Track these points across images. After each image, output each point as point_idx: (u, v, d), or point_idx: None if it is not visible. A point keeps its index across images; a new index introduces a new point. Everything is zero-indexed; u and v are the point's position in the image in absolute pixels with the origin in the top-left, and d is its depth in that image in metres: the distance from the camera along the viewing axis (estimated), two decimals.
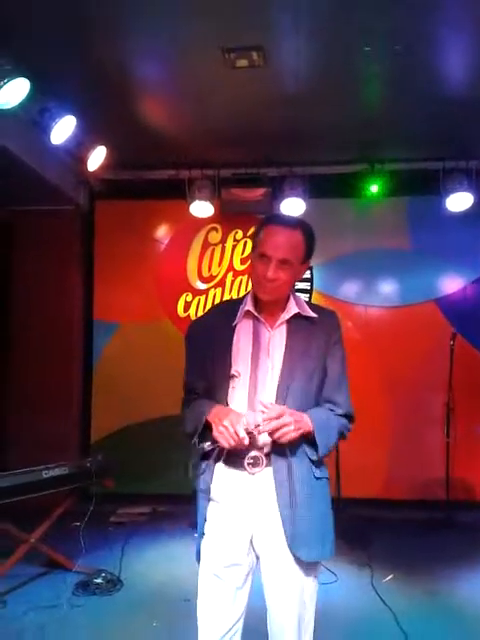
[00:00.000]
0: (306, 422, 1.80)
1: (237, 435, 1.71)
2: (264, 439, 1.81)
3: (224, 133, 4.63)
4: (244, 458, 1.82)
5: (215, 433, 1.76)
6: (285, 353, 1.88)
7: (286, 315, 1.91)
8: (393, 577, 3.73)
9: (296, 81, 3.88)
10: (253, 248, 1.92)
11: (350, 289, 5.48)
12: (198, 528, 1.91)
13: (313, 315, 1.93)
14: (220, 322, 1.95)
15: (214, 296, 5.63)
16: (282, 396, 1.84)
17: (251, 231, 5.61)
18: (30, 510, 3.39)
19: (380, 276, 5.49)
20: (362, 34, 3.38)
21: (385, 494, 5.17)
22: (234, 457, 1.83)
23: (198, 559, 1.92)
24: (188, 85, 3.98)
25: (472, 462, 5.09)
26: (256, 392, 1.85)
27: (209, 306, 5.61)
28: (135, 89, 4.04)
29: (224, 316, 1.95)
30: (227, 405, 1.86)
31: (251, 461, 1.82)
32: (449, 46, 3.63)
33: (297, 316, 1.92)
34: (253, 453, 1.82)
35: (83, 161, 4.34)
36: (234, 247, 5.66)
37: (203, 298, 5.64)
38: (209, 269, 5.66)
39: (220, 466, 1.87)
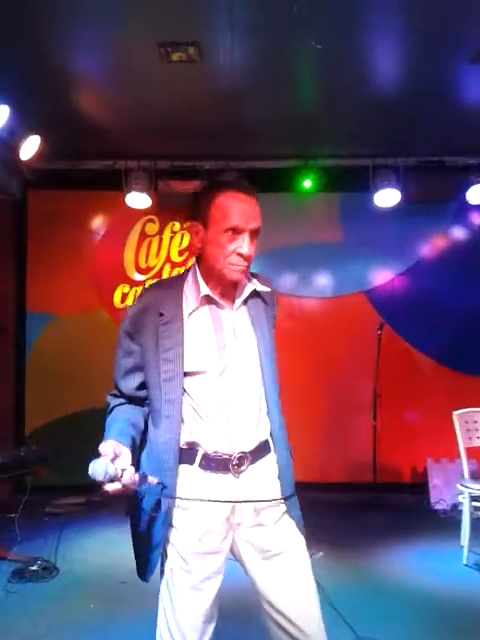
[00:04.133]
0: None
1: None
2: (249, 439, 1.66)
3: (161, 125, 4.66)
4: (228, 460, 1.63)
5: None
6: (256, 336, 1.69)
7: (244, 294, 1.70)
8: (323, 554, 3.91)
9: (231, 77, 3.95)
10: (208, 223, 1.64)
11: (284, 281, 5.63)
12: (154, 540, 1.64)
13: (266, 290, 1.75)
14: (163, 309, 1.66)
15: None
16: (268, 384, 1.69)
17: (188, 223, 5.66)
18: None
19: (313, 268, 5.67)
20: (296, 33, 3.49)
21: (317, 478, 5.34)
22: (215, 460, 1.63)
23: (147, 575, 1.66)
24: (124, 77, 3.99)
25: (398, 446, 5.36)
26: (235, 387, 1.65)
27: None
28: (71, 79, 4.02)
29: (167, 301, 1.67)
30: (180, 408, 1.63)
31: (237, 462, 1.64)
32: (379, 48, 3.81)
33: (251, 293, 1.72)
34: (239, 453, 1.64)
35: (15, 150, 4.28)
36: (171, 239, 5.71)
37: (140, 289, 5.66)
38: (146, 260, 5.69)
39: (191, 469, 1.64)
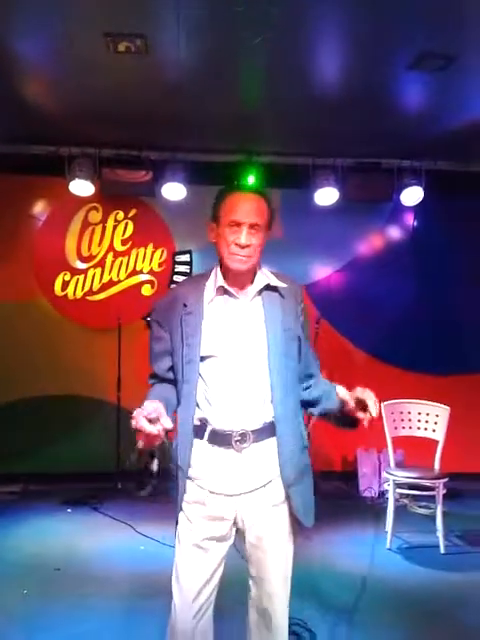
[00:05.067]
0: None
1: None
2: (252, 419, 1.83)
3: (106, 114, 4.65)
4: (231, 435, 1.81)
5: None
6: (266, 327, 1.86)
7: (258, 286, 1.88)
8: None
9: (178, 70, 3.98)
10: (217, 221, 1.87)
11: None
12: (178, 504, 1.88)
13: (283, 285, 1.92)
14: (187, 301, 1.88)
15: (94, 276, 5.65)
16: (275, 373, 1.84)
17: (132, 213, 5.69)
18: None
19: None
20: (241, 32, 3.54)
21: None
22: (220, 435, 1.82)
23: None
24: (70, 64, 3.96)
25: (330, 436, 5.51)
26: (241, 372, 1.83)
27: (88, 286, 5.62)
28: (14, 63, 3.95)
29: (191, 294, 1.89)
30: (195, 388, 1.84)
31: (239, 438, 1.81)
32: (322, 51, 3.93)
33: (266, 287, 1.90)
34: (240, 430, 1.81)
35: None
36: (115, 227, 5.69)
37: (82, 278, 5.63)
38: (89, 248, 5.66)
39: (202, 443, 1.85)
